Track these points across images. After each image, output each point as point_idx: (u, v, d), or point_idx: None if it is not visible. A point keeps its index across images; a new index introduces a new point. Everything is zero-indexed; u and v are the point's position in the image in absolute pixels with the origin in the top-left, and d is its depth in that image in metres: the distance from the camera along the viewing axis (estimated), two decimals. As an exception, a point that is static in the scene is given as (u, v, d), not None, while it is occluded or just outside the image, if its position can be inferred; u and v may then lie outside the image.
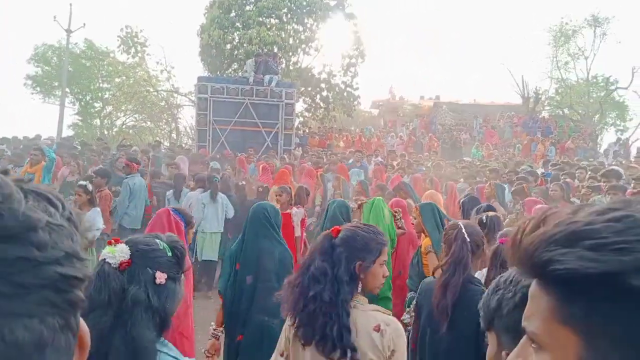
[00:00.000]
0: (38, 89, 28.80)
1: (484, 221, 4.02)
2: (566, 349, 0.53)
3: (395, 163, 12.40)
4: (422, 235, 3.92)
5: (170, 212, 3.02)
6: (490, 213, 4.18)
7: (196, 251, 6.60)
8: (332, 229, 1.84)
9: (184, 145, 17.72)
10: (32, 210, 0.44)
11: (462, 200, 4.88)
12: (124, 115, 29.53)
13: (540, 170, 9.65)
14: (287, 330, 1.86)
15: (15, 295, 0.40)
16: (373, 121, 30.86)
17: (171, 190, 7.13)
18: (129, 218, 6.69)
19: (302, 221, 5.57)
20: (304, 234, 5.68)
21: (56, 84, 26.82)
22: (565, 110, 28.07)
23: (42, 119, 72.50)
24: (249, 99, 14.34)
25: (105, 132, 28.22)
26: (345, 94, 23.13)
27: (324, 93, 23.45)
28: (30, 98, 29.08)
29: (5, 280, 0.40)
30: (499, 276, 1.17)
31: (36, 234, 0.42)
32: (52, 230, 0.44)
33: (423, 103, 31.19)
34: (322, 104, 23.69)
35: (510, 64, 28.20)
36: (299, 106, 22.89)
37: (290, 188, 5.63)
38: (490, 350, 1.14)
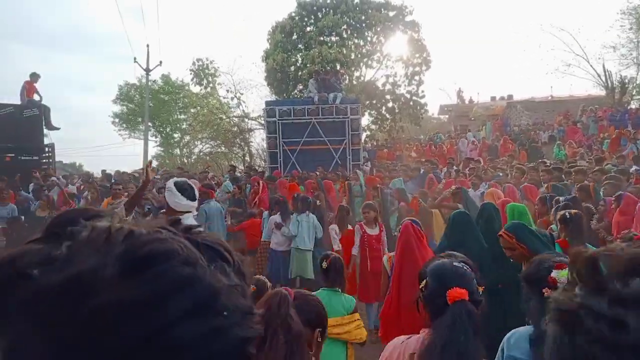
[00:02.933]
0: (124, 125, 31.40)
1: (567, 217, 3.75)
2: None
3: (467, 170, 11.95)
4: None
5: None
6: (573, 210, 3.92)
7: (291, 268, 6.82)
8: None
9: (257, 167, 18.33)
10: (215, 276, 0.45)
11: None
12: (200, 143, 31.30)
13: (634, 168, 8.82)
14: None
15: None
16: (442, 128, 30.07)
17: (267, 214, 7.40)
18: None
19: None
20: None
21: (140, 119, 29.08)
22: (659, 98, 25.51)
23: (130, 153, 78.51)
24: (315, 118, 14.59)
25: (185, 160, 30.02)
26: (411, 103, 22.83)
27: (390, 104, 23.30)
28: (118, 134, 31.74)
29: (198, 353, 0.41)
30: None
31: (220, 301, 0.43)
32: (231, 292, 0.45)
33: (495, 104, 29.93)
34: (388, 116, 23.53)
35: (588, 53, 26.00)
36: (365, 120, 22.93)
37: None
38: None
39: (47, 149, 13.18)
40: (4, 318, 0.40)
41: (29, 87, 12.83)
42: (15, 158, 12.01)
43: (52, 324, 0.38)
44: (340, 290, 3.33)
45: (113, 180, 10.12)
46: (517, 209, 4.42)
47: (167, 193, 3.73)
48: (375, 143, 22.27)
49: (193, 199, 3.74)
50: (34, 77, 13.00)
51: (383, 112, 23.67)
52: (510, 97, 30.38)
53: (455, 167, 12.74)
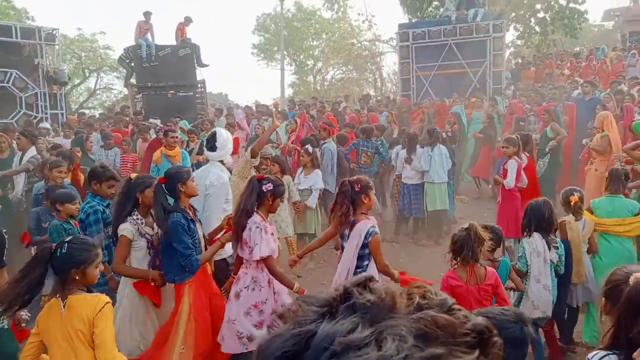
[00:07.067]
0: (262, 55, 32.90)
1: None
2: None
3: (635, 90, 10.26)
4: None
5: None
6: None
7: (426, 202, 6.90)
8: None
9: (389, 93, 18.06)
10: None
11: None
12: (332, 70, 31.56)
13: None
14: None
15: None
16: (607, 38, 25.70)
17: (400, 148, 7.23)
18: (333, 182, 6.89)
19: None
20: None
21: (275, 48, 30.15)
22: None
23: (269, 81, 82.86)
24: (452, 40, 13.59)
25: (318, 87, 30.74)
26: (567, 11, 19.75)
27: (540, 14, 20.48)
28: (257, 65, 33.46)
29: None
30: None
31: None
32: None
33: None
34: (537, 29, 20.82)
35: None
36: (509, 35, 20.65)
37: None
38: None
39: (199, 85, 14.58)
40: None
41: (182, 29, 14.08)
42: (175, 94, 13.57)
43: None
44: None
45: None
46: None
47: None
48: (519, 61, 20.06)
49: (211, 149, 3.77)
50: (187, 20, 14.21)
51: (532, 24, 20.97)
52: None
53: (620, 87, 10.96)
